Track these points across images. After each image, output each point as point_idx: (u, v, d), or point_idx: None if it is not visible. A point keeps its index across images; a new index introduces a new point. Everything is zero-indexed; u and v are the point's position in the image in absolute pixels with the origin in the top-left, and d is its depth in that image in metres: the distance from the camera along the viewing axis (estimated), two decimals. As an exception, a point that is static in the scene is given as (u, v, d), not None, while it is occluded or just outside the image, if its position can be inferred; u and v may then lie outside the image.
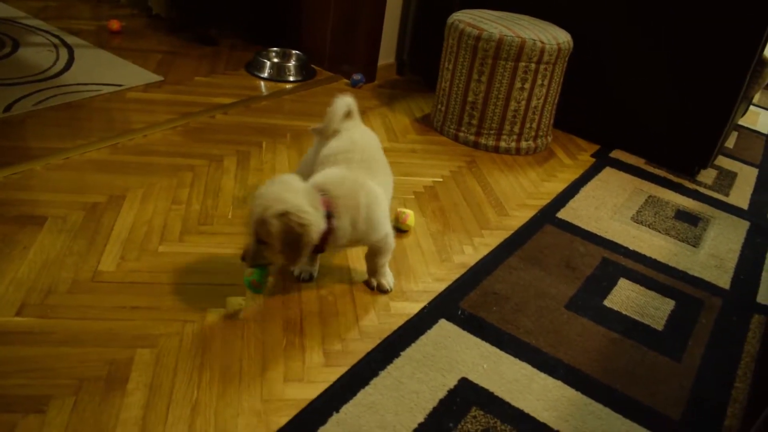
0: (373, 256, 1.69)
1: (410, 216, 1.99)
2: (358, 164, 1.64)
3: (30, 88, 2.52)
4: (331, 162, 1.66)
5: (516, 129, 2.62)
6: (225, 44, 3.35)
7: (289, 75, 3.03)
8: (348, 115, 1.82)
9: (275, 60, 3.08)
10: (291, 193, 1.44)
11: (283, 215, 1.41)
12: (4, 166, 1.98)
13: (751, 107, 3.92)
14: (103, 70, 2.78)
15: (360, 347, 1.52)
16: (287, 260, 1.49)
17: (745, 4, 2.39)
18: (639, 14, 2.62)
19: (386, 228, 1.62)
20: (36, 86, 2.54)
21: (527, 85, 2.53)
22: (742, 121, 3.62)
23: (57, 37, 3.07)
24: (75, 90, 2.56)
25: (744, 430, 1.48)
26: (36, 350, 1.37)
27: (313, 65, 3.21)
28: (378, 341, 1.55)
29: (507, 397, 1.45)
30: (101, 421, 1.24)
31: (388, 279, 1.74)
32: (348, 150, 1.68)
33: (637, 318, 1.80)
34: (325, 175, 1.57)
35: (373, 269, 1.72)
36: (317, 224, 1.45)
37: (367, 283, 1.75)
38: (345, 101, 1.79)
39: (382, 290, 1.73)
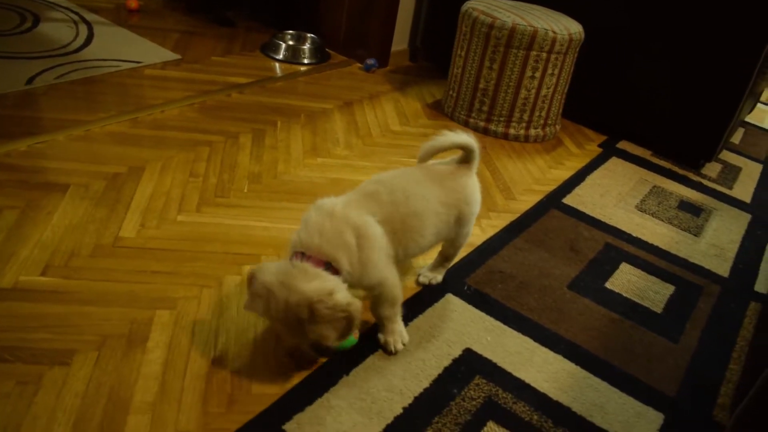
0: (376, 307, 1.48)
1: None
2: (378, 201, 1.44)
3: (51, 62, 2.58)
4: (358, 189, 1.49)
5: (525, 117, 2.67)
6: (241, 26, 3.40)
7: (304, 57, 3.09)
8: (465, 159, 1.62)
9: (290, 42, 3.13)
10: (291, 289, 1.26)
11: (312, 319, 1.25)
12: (27, 136, 2.04)
13: (759, 105, 3.96)
14: (122, 47, 2.84)
15: (369, 316, 1.58)
16: (339, 339, 1.32)
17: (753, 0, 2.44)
18: (649, 8, 2.66)
19: (382, 273, 1.40)
20: (56, 60, 2.60)
21: (538, 74, 2.58)
22: (749, 118, 3.66)
23: (76, 13, 3.12)
24: (95, 65, 2.62)
25: (736, 407, 1.54)
26: (60, 308, 1.44)
27: (327, 49, 3.27)
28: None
29: (509, 368, 1.51)
30: (123, 375, 1.31)
31: (395, 338, 1.50)
32: (380, 181, 1.49)
33: (637, 300, 1.86)
34: (304, 229, 1.36)
35: (379, 323, 1.51)
36: (337, 290, 1.27)
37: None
38: (456, 139, 1.57)
39: (386, 351, 1.49)
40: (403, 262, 1.68)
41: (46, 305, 1.44)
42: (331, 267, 1.32)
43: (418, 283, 1.73)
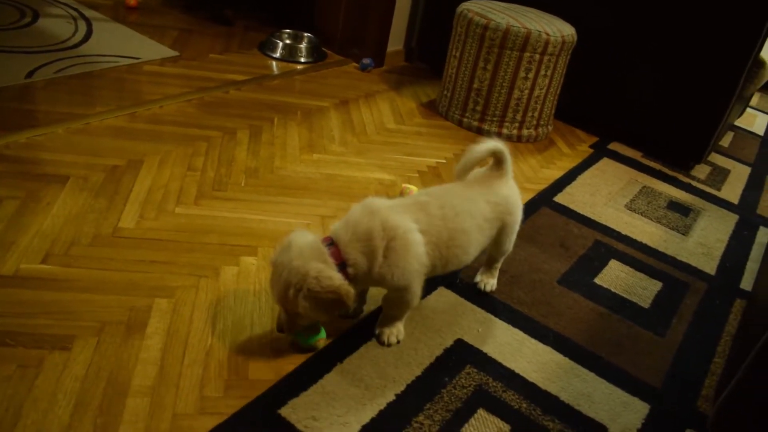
0: (387, 305, 1.53)
1: (414, 191, 2.08)
2: (427, 211, 1.45)
3: (50, 56, 2.61)
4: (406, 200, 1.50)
5: (518, 117, 2.71)
6: (239, 24, 3.43)
7: (301, 56, 3.12)
8: (497, 164, 1.61)
9: (288, 41, 3.17)
10: (301, 259, 1.32)
11: (302, 289, 1.31)
12: (27, 128, 2.07)
13: (749, 109, 4.02)
14: (121, 43, 2.87)
15: (363, 308, 1.62)
16: (326, 317, 1.41)
17: (742, 5, 2.48)
18: (641, 12, 2.71)
19: (408, 280, 1.41)
20: (56, 55, 2.63)
21: (531, 75, 2.62)
22: (738, 122, 3.72)
23: (75, 10, 3.15)
24: (94, 61, 2.65)
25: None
26: (61, 295, 1.47)
27: (324, 48, 3.30)
28: (380, 303, 1.64)
29: (499, 358, 1.55)
30: (122, 360, 1.34)
31: (392, 331, 1.53)
32: (431, 194, 1.52)
33: (625, 296, 1.90)
34: (345, 220, 1.41)
35: (383, 315, 1.55)
36: (335, 277, 1.32)
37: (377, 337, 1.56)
38: (485, 147, 1.54)
39: (379, 341, 1.53)
40: (439, 275, 1.60)
41: (46, 292, 1.46)
42: (345, 269, 1.35)
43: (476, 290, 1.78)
